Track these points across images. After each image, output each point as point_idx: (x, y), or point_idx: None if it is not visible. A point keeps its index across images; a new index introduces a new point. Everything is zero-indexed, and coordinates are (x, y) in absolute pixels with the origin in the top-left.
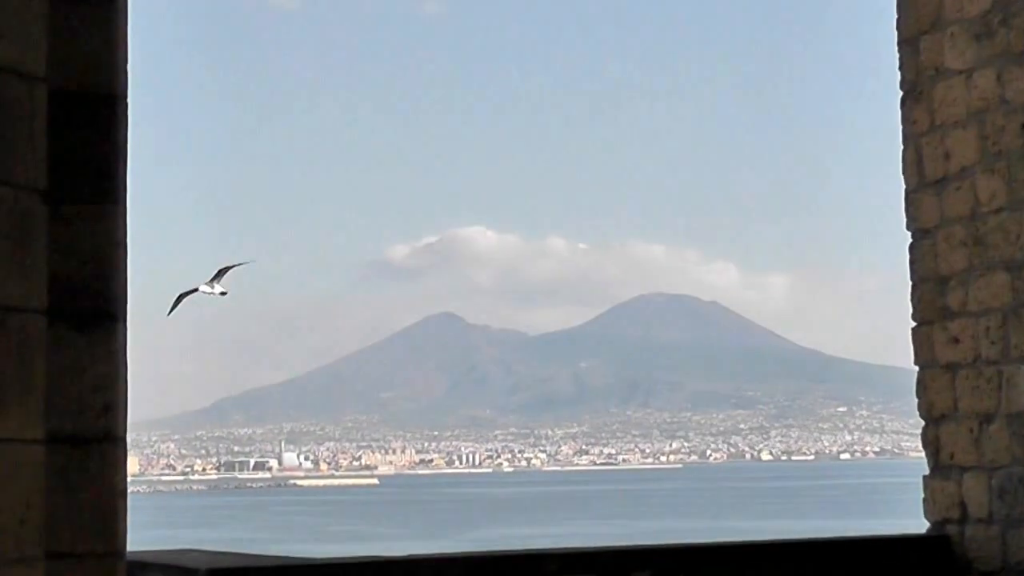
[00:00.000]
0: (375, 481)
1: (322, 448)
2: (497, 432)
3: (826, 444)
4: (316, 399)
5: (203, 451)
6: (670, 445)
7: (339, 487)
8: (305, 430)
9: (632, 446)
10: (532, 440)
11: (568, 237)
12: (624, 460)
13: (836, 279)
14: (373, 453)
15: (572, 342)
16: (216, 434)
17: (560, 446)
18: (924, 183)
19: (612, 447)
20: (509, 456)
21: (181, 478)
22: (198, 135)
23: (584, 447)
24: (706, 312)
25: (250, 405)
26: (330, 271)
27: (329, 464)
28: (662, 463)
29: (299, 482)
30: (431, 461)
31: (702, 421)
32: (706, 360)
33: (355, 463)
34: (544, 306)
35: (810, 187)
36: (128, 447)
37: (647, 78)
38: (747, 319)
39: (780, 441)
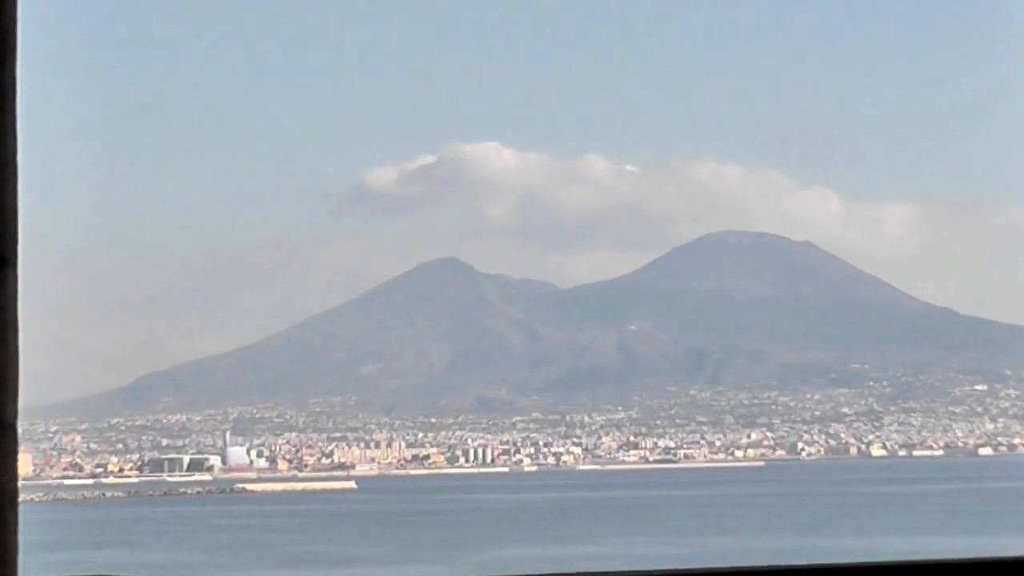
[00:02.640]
0: (352, 485)
1: (281, 441)
2: (516, 419)
3: (959, 435)
4: (273, 375)
5: (120, 445)
6: (748, 436)
7: (304, 493)
8: (258, 416)
9: (697, 437)
10: (563, 429)
11: (612, 156)
12: (687, 456)
13: (975, 213)
14: (349, 447)
15: (618, 297)
16: (138, 422)
17: (601, 437)
18: None
19: (671, 438)
20: (532, 451)
21: (91, 482)
22: (114, 21)
23: (633, 439)
24: (798, 257)
25: (185, 383)
26: (290, 205)
27: (291, 462)
28: (738, 460)
29: (250, 486)
30: (427, 458)
31: (792, 403)
32: (798, 322)
33: (326, 461)
34: (580, 249)
35: (940, 87)
36: (20, 439)
37: None
38: (853, 266)
39: (897, 431)
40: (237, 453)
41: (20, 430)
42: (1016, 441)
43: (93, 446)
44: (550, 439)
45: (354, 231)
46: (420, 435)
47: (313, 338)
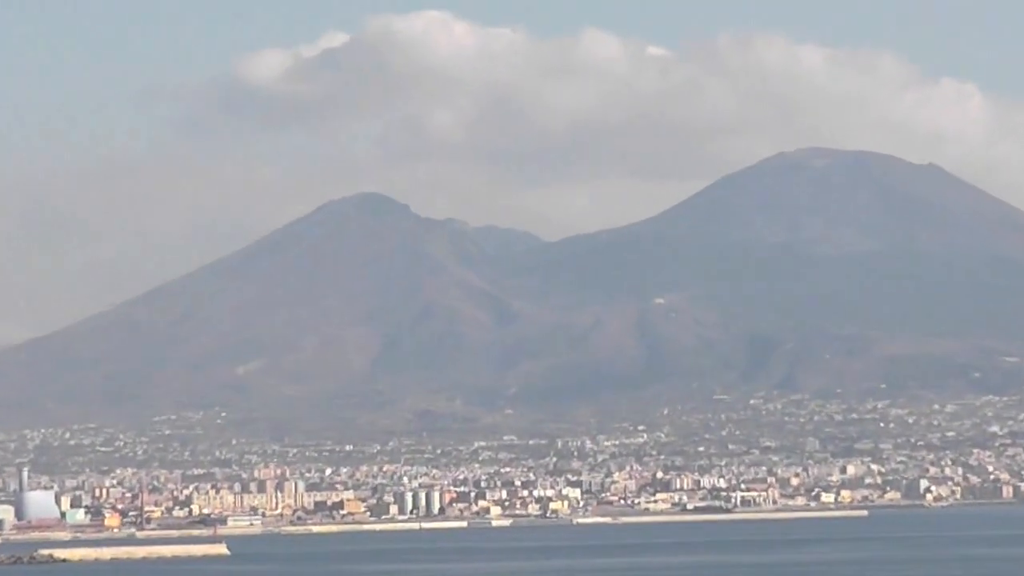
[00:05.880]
0: (222, 549)
1: (110, 481)
2: (479, 444)
3: None
4: (96, 378)
5: None
6: (843, 470)
7: (146, 562)
8: (74, 443)
9: (763, 472)
10: (551, 461)
11: (625, 31)
12: (746, 501)
13: None
14: (218, 491)
15: (636, 254)
16: None
17: (611, 471)
18: None
19: (719, 473)
20: (503, 495)
21: None
22: None
23: (661, 474)
24: (918, 187)
25: None
26: (123, 111)
27: (125, 515)
28: (827, 506)
29: (61, 553)
30: (340, 506)
31: (910, 419)
32: (917, 292)
33: (180, 512)
34: (575, 179)
35: None
36: None
37: None
38: (1003, 202)
39: None
40: (40, 501)
41: None
42: None
43: None
44: (531, 476)
45: (223, 151)
46: (328, 471)
47: (160, 318)
